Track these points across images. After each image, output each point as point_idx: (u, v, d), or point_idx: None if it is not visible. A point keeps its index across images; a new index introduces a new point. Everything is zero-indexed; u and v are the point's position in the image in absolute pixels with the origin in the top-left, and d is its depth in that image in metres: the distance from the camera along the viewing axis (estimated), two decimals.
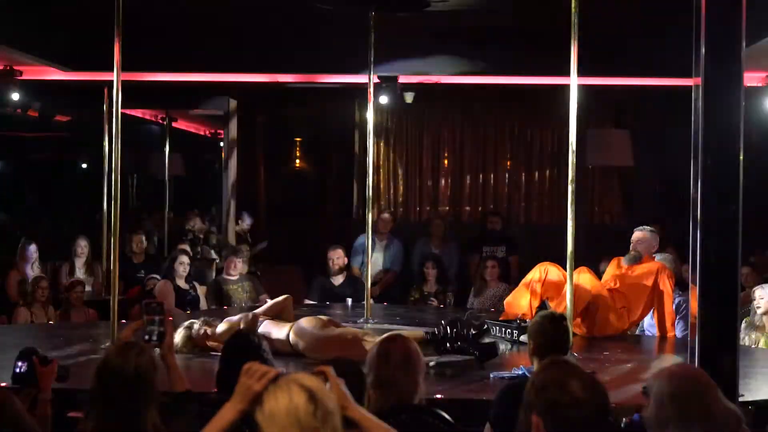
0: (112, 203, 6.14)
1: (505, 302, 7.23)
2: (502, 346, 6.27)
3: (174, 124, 13.27)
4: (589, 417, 2.56)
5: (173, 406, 3.17)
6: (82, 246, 9.32)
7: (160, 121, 13.14)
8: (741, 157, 4.55)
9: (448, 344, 5.49)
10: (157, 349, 3.36)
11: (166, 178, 13.03)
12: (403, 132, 11.93)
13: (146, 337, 3.39)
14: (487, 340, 5.69)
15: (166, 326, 3.41)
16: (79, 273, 9.13)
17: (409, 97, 10.20)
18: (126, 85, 6.16)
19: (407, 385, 3.31)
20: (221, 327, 5.89)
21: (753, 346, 6.69)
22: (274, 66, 9.43)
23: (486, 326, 5.83)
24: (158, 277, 8.67)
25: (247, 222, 11.78)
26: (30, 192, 17.55)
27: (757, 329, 6.82)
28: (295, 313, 6.34)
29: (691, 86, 4.69)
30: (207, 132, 15.23)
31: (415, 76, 9.41)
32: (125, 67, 6.09)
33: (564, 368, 2.65)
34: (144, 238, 10.03)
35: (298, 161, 12.99)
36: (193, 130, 15.08)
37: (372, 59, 7.60)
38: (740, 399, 4.41)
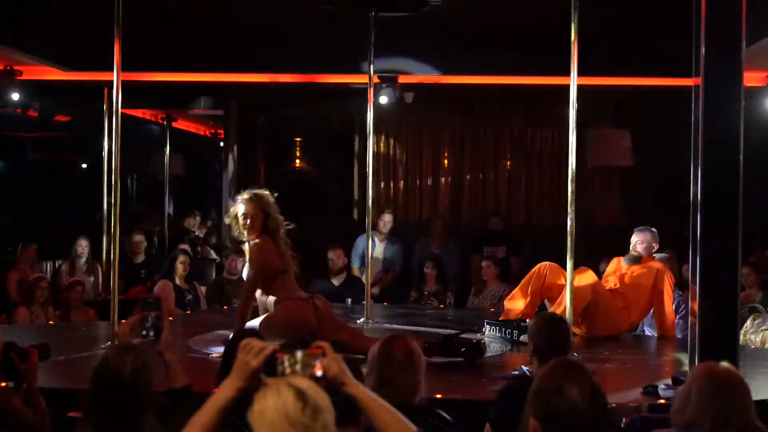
0: (112, 203, 6.15)
1: (505, 302, 7.23)
2: (500, 346, 6.29)
3: (174, 124, 13.27)
4: (586, 423, 2.57)
5: (174, 404, 3.17)
6: (82, 246, 9.31)
7: (160, 121, 13.13)
8: (741, 157, 4.55)
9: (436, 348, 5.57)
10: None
11: (166, 178, 13.03)
12: (403, 132, 11.91)
13: (143, 333, 3.38)
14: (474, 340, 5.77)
15: (163, 322, 3.41)
16: (79, 273, 9.13)
17: (409, 97, 10.20)
18: (126, 85, 6.16)
19: (408, 384, 3.31)
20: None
21: (756, 347, 6.68)
22: (274, 66, 9.43)
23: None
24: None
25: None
26: (30, 192, 17.54)
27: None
28: None
29: (691, 86, 4.69)
30: (207, 132, 15.22)
31: (415, 76, 9.41)
32: (125, 67, 6.10)
33: (565, 373, 2.65)
34: (144, 238, 10.02)
35: (298, 161, 12.98)
36: (193, 130, 15.08)
37: (372, 59, 7.60)
38: None
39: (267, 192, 5.97)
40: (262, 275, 5.82)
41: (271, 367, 2.45)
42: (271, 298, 5.95)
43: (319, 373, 2.45)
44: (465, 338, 5.86)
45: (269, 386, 2.29)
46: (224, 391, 2.49)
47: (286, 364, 2.44)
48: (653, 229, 7.12)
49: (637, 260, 7.02)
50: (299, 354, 2.46)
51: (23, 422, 3.11)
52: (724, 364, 2.97)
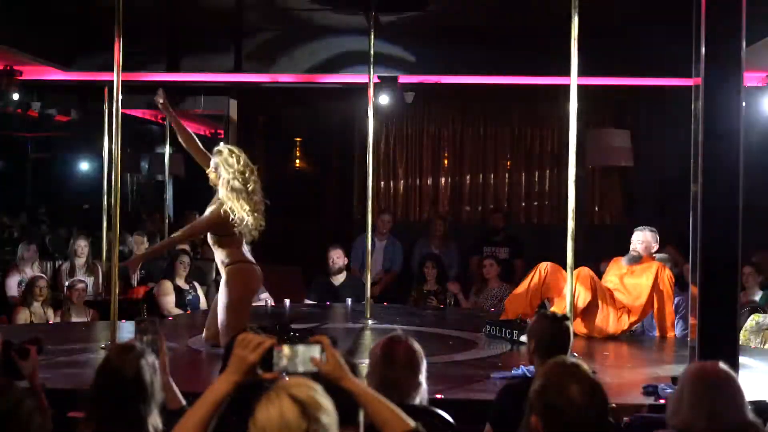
0: (112, 203, 6.15)
1: (505, 302, 7.23)
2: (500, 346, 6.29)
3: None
4: (586, 421, 2.57)
5: (170, 425, 3.16)
6: (82, 246, 9.31)
7: (160, 121, 13.12)
8: (741, 157, 4.55)
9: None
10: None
11: (166, 178, 13.02)
12: (403, 132, 11.92)
13: None
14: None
15: (159, 344, 3.39)
16: (79, 273, 9.12)
17: (409, 97, 10.19)
18: (126, 85, 6.17)
19: (410, 385, 3.32)
20: None
21: (756, 346, 6.67)
22: (274, 66, 9.43)
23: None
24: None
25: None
26: (30, 192, 17.56)
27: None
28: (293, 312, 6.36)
29: (691, 86, 4.69)
30: (207, 132, 15.21)
31: (415, 76, 9.41)
32: (125, 67, 6.10)
33: (566, 371, 2.66)
34: (144, 238, 10.01)
35: (298, 161, 12.98)
36: (193, 130, 15.05)
37: (372, 59, 7.60)
38: None
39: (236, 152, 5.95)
40: (207, 230, 5.92)
41: (267, 361, 2.44)
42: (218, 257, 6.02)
43: (315, 368, 2.45)
44: (300, 327, 5.86)
45: (271, 398, 2.25)
46: (220, 386, 2.47)
47: (285, 359, 2.43)
48: (653, 229, 7.12)
49: (637, 260, 7.02)
50: (298, 348, 2.45)
51: (34, 424, 3.11)
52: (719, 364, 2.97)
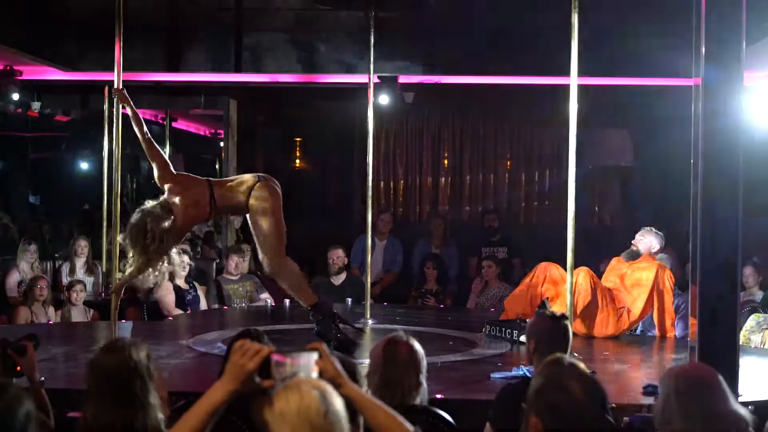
0: (112, 203, 6.15)
1: (505, 302, 7.24)
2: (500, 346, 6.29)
3: (174, 124, 13.27)
4: (588, 418, 2.57)
5: None
6: (82, 246, 9.30)
7: (160, 121, 13.14)
8: (741, 157, 4.55)
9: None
10: None
11: None
12: (403, 132, 11.92)
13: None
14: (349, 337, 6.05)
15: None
16: (79, 273, 9.12)
17: (409, 97, 10.19)
18: (126, 85, 6.17)
19: (411, 385, 3.33)
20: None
21: (756, 346, 6.68)
22: (274, 66, 9.43)
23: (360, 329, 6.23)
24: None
25: None
26: (30, 192, 17.54)
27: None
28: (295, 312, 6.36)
29: (691, 86, 4.69)
30: (207, 132, 15.23)
31: (415, 76, 9.41)
32: (125, 67, 6.11)
33: (564, 369, 2.66)
34: None
35: (298, 161, 12.98)
36: (193, 130, 15.08)
37: (372, 59, 7.61)
38: (739, 399, 4.41)
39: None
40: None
41: (265, 369, 2.40)
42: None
43: (314, 374, 2.43)
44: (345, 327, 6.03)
45: (290, 387, 2.25)
46: (216, 394, 2.42)
47: (282, 366, 2.41)
48: (660, 233, 7.12)
49: (635, 256, 7.02)
50: (295, 355, 2.44)
51: (35, 421, 3.11)
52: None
